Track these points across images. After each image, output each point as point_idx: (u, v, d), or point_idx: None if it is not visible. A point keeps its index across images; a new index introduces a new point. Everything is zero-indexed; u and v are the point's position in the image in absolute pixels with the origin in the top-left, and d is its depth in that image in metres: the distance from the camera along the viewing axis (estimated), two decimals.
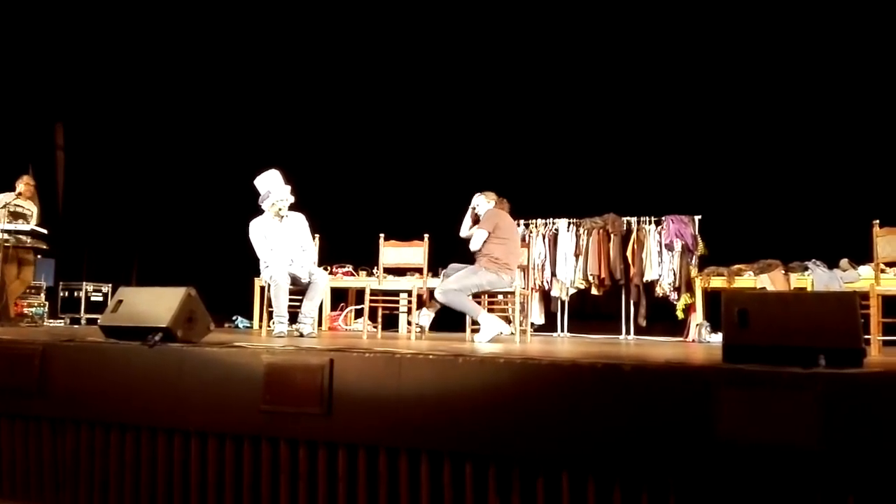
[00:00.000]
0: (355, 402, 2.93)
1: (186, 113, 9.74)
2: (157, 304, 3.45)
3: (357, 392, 2.94)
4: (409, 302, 6.06)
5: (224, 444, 3.14)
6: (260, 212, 5.68)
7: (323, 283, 5.63)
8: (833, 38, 7.49)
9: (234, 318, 8.36)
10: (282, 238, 5.60)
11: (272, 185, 5.58)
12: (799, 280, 6.76)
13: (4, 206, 6.62)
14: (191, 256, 9.29)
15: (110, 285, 9.02)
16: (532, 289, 7.91)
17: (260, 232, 5.60)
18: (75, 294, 8.82)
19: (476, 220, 5.55)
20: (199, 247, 9.39)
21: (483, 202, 5.58)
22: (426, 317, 5.46)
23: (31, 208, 6.92)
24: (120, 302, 3.59)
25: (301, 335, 5.30)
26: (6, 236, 6.49)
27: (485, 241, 5.28)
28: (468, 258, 5.48)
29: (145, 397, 3.27)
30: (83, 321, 8.65)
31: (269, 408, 3.04)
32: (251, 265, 7.41)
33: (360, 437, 2.92)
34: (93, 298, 8.87)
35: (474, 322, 5.32)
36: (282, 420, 3.02)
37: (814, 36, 7.55)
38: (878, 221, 4.77)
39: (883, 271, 4.88)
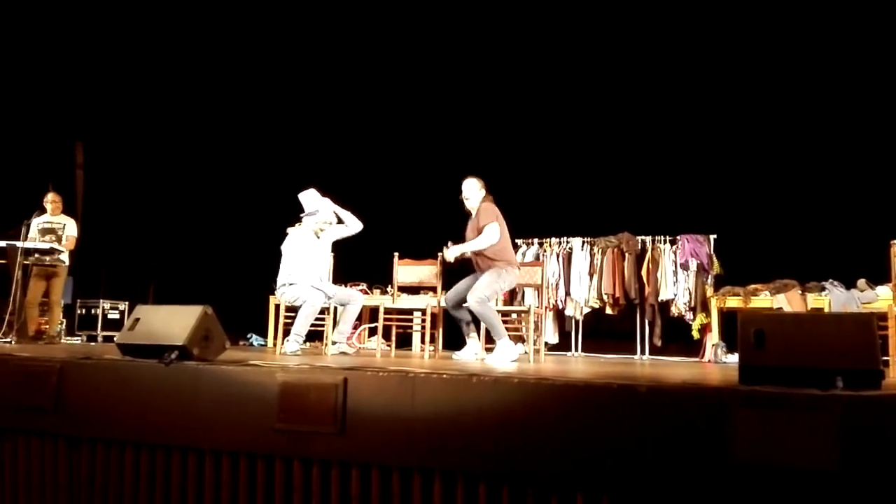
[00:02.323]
0: (369, 421, 2.93)
1: (204, 132, 9.86)
2: (173, 322, 3.48)
3: (371, 411, 2.94)
4: (423, 320, 6.06)
5: (238, 463, 3.15)
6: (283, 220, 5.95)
7: (354, 308, 5.86)
8: (847, 57, 7.48)
9: (248, 335, 8.39)
10: (315, 254, 5.80)
11: (322, 205, 5.84)
12: (816, 300, 6.70)
13: (28, 224, 6.72)
14: (207, 274, 9.36)
15: (127, 303, 9.10)
16: (546, 308, 7.89)
17: (302, 242, 5.83)
18: (92, 311, 8.90)
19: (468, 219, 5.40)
20: (215, 265, 9.47)
21: (476, 189, 5.41)
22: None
23: (62, 221, 7.00)
24: (137, 320, 3.63)
25: (345, 353, 5.65)
26: (34, 256, 6.58)
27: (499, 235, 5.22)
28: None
29: (161, 415, 3.28)
30: (100, 338, 8.71)
31: (283, 426, 3.05)
32: (266, 283, 7.47)
33: (373, 457, 2.92)
34: (110, 316, 8.94)
35: (489, 339, 5.30)
36: (295, 439, 3.02)
37: (828, 55, 7.54)
38: (895, 241, 4.73)
39: None
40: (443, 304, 5.73)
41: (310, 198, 5.92)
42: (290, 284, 5.69)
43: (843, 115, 7.49)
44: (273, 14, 9.09)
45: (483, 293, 5.14)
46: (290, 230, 6.01)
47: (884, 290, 6.31)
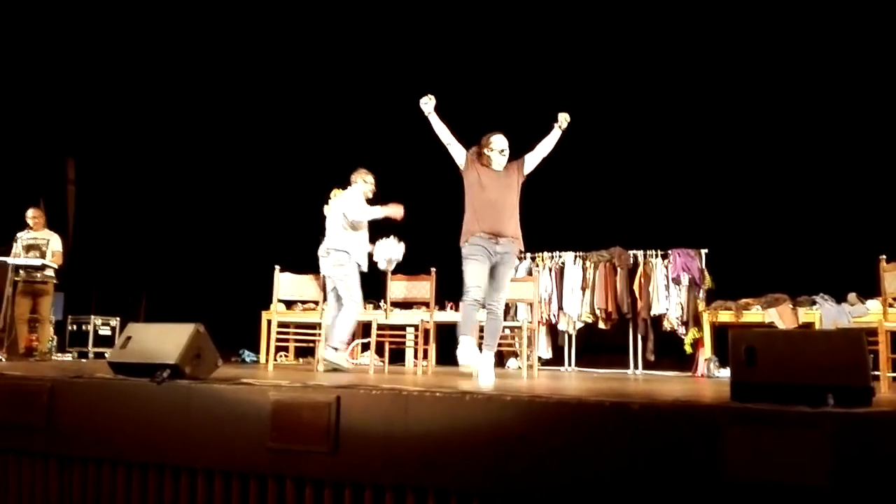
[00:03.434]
0: (362, 440, 2.93)
1: (195, 148, 9.87)
2: (165, 340, 3.46)
3: (364, 430, 2.94)
4: (416, 336, 6.06)
5: (230, 483, 3.13)
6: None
7: (350, 315, 5.84)
8: (837, 73, 7.56)
9: (240, 351, 8.37)
10: (363, 216, 5.90)
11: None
12: (807, 314, 6.74)
13: (15, 241, 6.70)
14: (198, 289, 9.34)
15: (119, 319, 9.06)
16: (539, 322, 7.90)
17: (356, 202, 5.87)
18: (83, 328, 8.85)
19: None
20: (207, 279, 9.45)
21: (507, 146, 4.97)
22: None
23: (46, 237, 6.98)
24: (129, 338, 3.61)
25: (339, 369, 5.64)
26: (21, 272, 6.56)
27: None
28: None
29: (153, 434, 3.27)
30: (91, 355, 8.66)
31: (275, 445, 3.04)
32: (258, 298, 7.45)
33: (366, 476, 2.91)
34: (101, 332, 8.90)
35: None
36: (288, 458, 3.01)
37: (818, 71, 7.62)
38: (884, 256, 4.76)
39: (891, 305, 4.85)
40: (436, 319, 5.74)
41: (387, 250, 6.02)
42: (337, 251, 5.77)
43: (834, 129, 7.57)
44: (263, 34, 9.14)
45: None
46: (336, 192, 6.04)
47: (874, 304, 6.35)
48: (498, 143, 4.95)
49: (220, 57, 9.34)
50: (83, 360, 8.04)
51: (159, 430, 3.26)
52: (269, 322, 6.49)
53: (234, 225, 9.56)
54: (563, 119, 5.04)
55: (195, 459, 3.19)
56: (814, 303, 6.80)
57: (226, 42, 9.23)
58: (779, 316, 6.70)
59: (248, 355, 8.27)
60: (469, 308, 4.65)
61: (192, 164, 9.92)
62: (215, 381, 3.36)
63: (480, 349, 4.75)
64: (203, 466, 3.17)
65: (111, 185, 10.02)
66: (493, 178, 4.86)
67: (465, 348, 4.58)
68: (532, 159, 5.06)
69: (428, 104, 4.86)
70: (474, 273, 4.64)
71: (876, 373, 3.97)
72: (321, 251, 5.90)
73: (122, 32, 9.16)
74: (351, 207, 5.80)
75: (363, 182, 6.00)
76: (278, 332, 5.88)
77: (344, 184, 6.11)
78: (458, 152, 4.94)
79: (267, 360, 6.14)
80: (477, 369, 4.58)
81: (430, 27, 8.71)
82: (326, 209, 6.02)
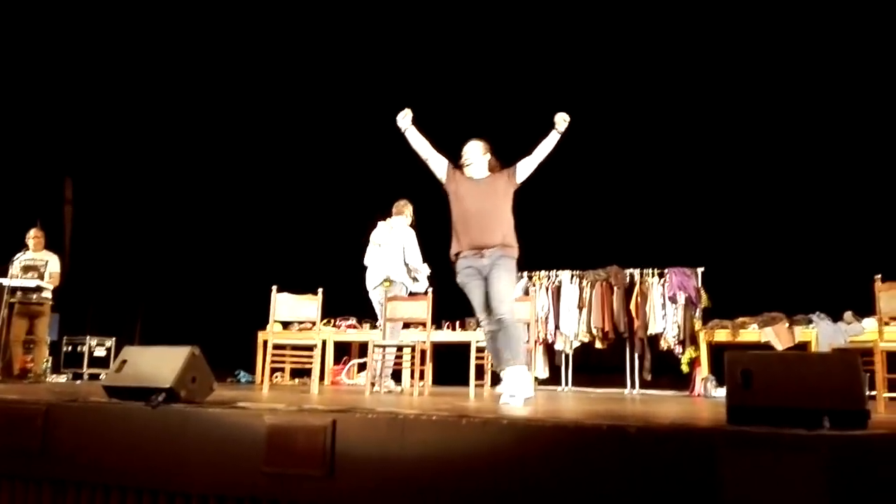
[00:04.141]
0: (358, 464, 2.91)
1: (192, 170, 9.89)
2: (160, 364, 3.45)
3: (360, 454, 2.92)
4: (413, 356, 6.05)
5: None
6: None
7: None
8: (833, 94, 7.62)
9: (236, 372, 8.34)
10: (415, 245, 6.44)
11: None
12: (803, 333, 6.74)
13: (13, 262, 6.70)
14: (194, 309, 9.32)
15: (114, 339, 9.03)
16: (535, 342, 7.88)
17: (404, 234, 6.28)
18: (79, 348, 8.81)
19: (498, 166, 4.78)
20: (203, 300, 9.43)
21: (482, 151, 4.73)
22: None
23: (45, 258, 6.97)
24: (124, 361, 3.60)
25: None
26: (17, 293, 6.55)
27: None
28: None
29: (148, 459, 3.24)
30: (86, 376, 8.62)
31: (270, 469, 3.01)
32: (254, 319, 7.44)
33: (362, 500, 2.89)
34: (96, 353, 8.86)
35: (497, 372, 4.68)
36: (284, 482, 2.99)
37: (815, 88, 7.68)
38: (880, 276, 4.76)
39: (887, 324, 4.86)
40: (433, 339, 5.72)
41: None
42: (400, 282, 6.10)
43: (830, 148, 7.63)
44: (256, 55, 9.21)
45: (512, 299, 4.38)
46: (389, 222, 6.27)
47: (870, 323, 6.36)
48: (464, 151, 4.76)
49: (213, 75, 9.39)
50: (78, 382, 7.99)
51: (154, 455, 3.24)
52: (266, 342, 6.47)
53: (230, 245, 9.56)
54: (562, 120, 4.67)
55: (190, 484, 3.16)
56: (810, 321, 6.80)
57: (219, 61, 9.28)
58: (775, 335, 6.70)
59: (243, 376, 8.24)
60: (488, 342, 4.50)
61: (188, 185, 9.94)
62: (210, 405, 3.34)
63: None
64: (198, 491, 3.15)
65: (108, 204, 10.03)
66: (472, 186, 4.61)
67: (506, 383, 4.26)
68: (527, 165, 4.74)
69: (405, 119, 4.62)
70: (473, 302, 4.48)
71: (872, 392, 3.98)
72: (377, 279, 6.01)
73: (121, 53, 9.21)
74: (412, 255, 6.21)
75: (409, 216, 6.30)
76: (274, 353, 5.87)
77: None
78: (438, 165, 4.72)
79: (262, 381, 6.12)
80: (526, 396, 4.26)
81: (426, 38, 8.76)
82: (375, 238, 6.09)
